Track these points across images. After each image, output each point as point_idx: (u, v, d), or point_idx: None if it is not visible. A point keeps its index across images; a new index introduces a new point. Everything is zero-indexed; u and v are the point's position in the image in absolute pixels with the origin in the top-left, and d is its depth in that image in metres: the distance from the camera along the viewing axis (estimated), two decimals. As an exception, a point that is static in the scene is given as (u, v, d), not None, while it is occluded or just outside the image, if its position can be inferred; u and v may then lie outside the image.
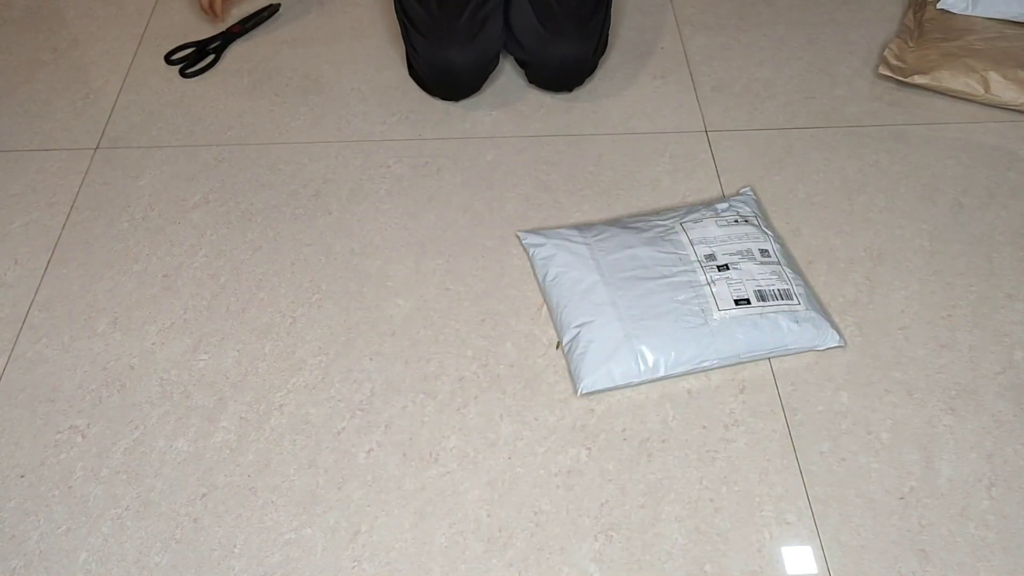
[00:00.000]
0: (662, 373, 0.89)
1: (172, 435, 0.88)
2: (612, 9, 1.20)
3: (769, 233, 0.99)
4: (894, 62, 1.21)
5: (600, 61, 1.21)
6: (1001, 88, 1.15)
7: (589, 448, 0.86)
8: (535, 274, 1.00)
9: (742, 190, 1.07)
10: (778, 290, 0.92)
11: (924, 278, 0.99)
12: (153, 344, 0.95)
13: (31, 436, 0.88)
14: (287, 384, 0.92)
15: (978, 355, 0.92)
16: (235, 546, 0.80)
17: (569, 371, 0.91)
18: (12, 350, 0.95)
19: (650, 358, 0.88)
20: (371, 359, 0.93)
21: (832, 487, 0.83)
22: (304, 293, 1.00)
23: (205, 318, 0.98)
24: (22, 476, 0.85)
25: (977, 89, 1.16)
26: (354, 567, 0.78)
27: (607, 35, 1.20)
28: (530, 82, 1.21)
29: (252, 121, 1.21)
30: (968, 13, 1.26)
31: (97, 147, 1.18)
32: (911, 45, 1.24)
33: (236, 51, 1.32)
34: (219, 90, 1.26)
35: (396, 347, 0.94)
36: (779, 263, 0.95)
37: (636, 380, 0.89)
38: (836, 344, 0.92)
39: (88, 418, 0.89)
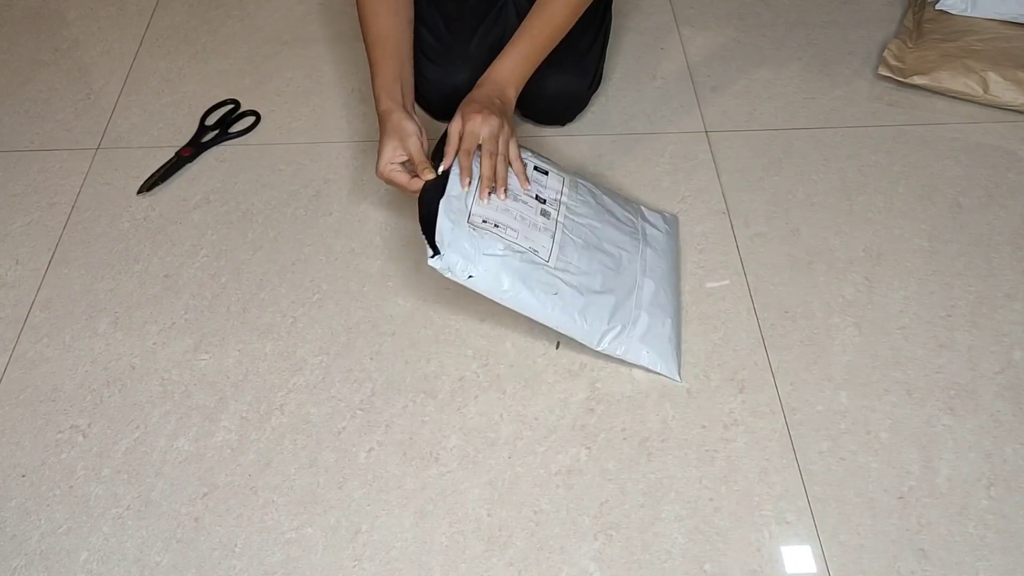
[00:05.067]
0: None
1: (173, 435, 0.88)
2: (608, 45, 1.19)
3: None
4: (893, 63, 1.22)
5: (592, 97, 1.20)
6: (1000, 89, 1.16)
7: (589, 448, 0.86)
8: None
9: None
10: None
11: (923, 278, 1.00)
12: (154, 344, 0.96)
13: (32, 436, 0.88)
14: (288, 384, 0.92)
15: (977, 355, 0.92)
16: (236, 545, 0.80)
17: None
18: (13, 350, 0.96)
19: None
20: (371, 359, 0.94)
21: (831, 486, 0.83)
22: (305, 293, 1.00)
23: (206, 318, 0.98)
24: (23, 476, 0.85)
25: (976, 90, 1.17)
26: (355, 566, 0.78)
27: (602, 71, 1.20)
28: (523, 116, 1.19)
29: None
30: (967, 14, 1.26)
31: (98, 147, 1.18)
32: (910, 46, 1.24)
33: (237, 52, 1.32)
34: (220, 91, 1.26)
35: (396, 347, 0.95)
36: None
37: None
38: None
39: (89, 418, 0.90)
